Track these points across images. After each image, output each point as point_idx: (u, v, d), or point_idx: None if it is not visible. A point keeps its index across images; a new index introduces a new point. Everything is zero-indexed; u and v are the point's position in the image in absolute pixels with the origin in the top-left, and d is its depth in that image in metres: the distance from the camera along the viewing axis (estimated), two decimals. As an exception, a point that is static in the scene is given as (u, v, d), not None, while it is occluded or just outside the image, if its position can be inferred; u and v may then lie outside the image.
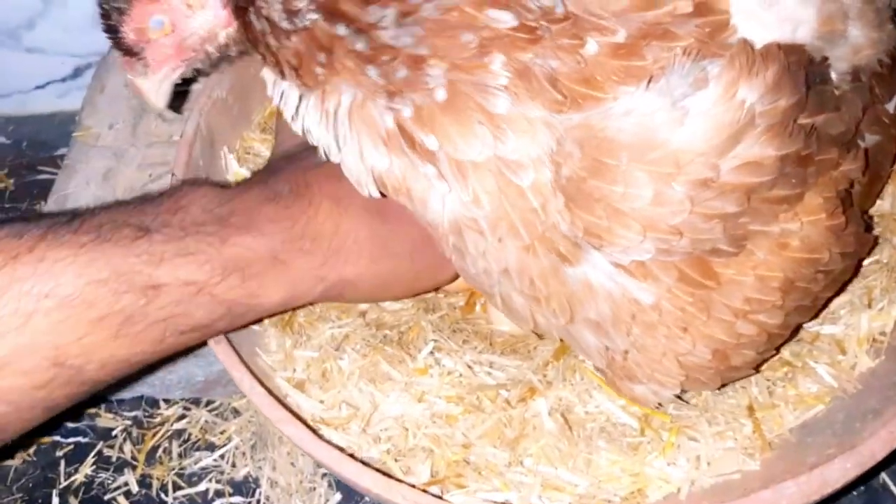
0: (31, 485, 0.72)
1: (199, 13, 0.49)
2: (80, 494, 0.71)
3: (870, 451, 0.49)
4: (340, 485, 0.68)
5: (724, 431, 0.56)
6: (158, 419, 0.75)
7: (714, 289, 0.49)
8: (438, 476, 0.54)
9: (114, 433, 0.75)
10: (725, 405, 0.59)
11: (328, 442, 0.53)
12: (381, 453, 0.55)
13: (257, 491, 0.70)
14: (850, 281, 0.61)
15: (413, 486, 0.51)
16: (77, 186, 0.81)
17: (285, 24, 0.45)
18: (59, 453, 0.74)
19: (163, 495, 0.70)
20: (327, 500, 0.68)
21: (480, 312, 0.68)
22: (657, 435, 0.56)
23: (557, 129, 0.45)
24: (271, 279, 0.52)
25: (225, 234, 0.51)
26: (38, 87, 1.02)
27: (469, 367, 0.61)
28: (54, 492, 0.71)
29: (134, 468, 0.72)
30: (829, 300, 0.60)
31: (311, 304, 0.61)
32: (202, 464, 0.72)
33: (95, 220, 0.49)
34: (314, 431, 0.53)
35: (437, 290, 0.66)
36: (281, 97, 0.51)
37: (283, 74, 0.49)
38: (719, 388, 0.57)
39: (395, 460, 0.55)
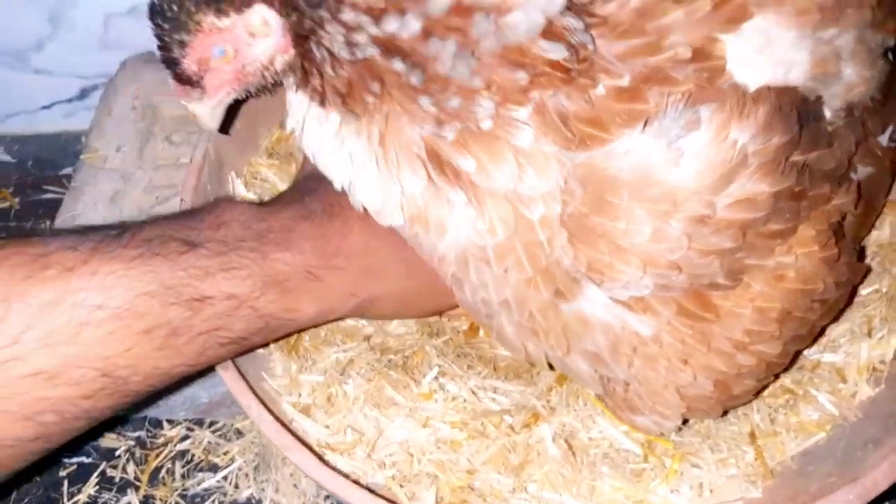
0: (34, 504, 0.72)
1: (262, 41, 0.49)
2: (84, 515, 0.71)
3: (873, 482, 0.49)
4: (343, 507, 0.69)
5: (727, 458, 0.57)
6: (162, 440, 0.76)
7: (713, 321, 0.50)
8: (443, 502, 0.55)
9: (117, 453, 0.75)
10: (727, 432, 0.60)
11: (334, 468, 0.53)
12: (387, 479, 0.56)
13: (260, 513, 0.70)
14: (845, 309, 0.62)
15: (418, 513, 0.51)
16: (85, 208, 0.82)
17: (344, 55, 0.46)
18: (63, 473, 0.74)
19: (166, 516, 0.71)
20: (330, 523, 0.69)
21: (484, 336, 0.69)
22: (660, 461, 0.57)
23: (566, 166, 0.47)
24: (306, 294, 0.54)
25: (265, 251, 0.53)
26: (44, 108, 1.03)
27: (473, 392, 0.61)
28: (58, 512, 0.72)
29: (137, 489, 0.72)
30: (825, 328, 0.61)
31: (340, 319, 0.63)
32: (205, 485, 0.72)
33: (143, 233, 0.50)
34: (320, 457, 0.53)
35: (451, 308, 0.67)
36: (305, 122, 0.51)
37: (323, 101, 0.49)
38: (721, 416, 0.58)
39: (401, 486, 0.55)
